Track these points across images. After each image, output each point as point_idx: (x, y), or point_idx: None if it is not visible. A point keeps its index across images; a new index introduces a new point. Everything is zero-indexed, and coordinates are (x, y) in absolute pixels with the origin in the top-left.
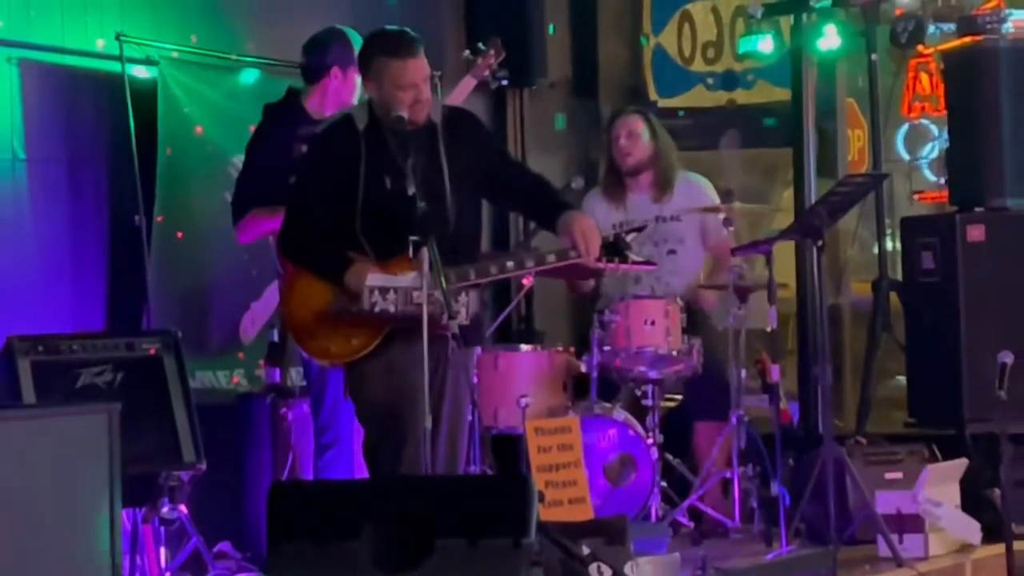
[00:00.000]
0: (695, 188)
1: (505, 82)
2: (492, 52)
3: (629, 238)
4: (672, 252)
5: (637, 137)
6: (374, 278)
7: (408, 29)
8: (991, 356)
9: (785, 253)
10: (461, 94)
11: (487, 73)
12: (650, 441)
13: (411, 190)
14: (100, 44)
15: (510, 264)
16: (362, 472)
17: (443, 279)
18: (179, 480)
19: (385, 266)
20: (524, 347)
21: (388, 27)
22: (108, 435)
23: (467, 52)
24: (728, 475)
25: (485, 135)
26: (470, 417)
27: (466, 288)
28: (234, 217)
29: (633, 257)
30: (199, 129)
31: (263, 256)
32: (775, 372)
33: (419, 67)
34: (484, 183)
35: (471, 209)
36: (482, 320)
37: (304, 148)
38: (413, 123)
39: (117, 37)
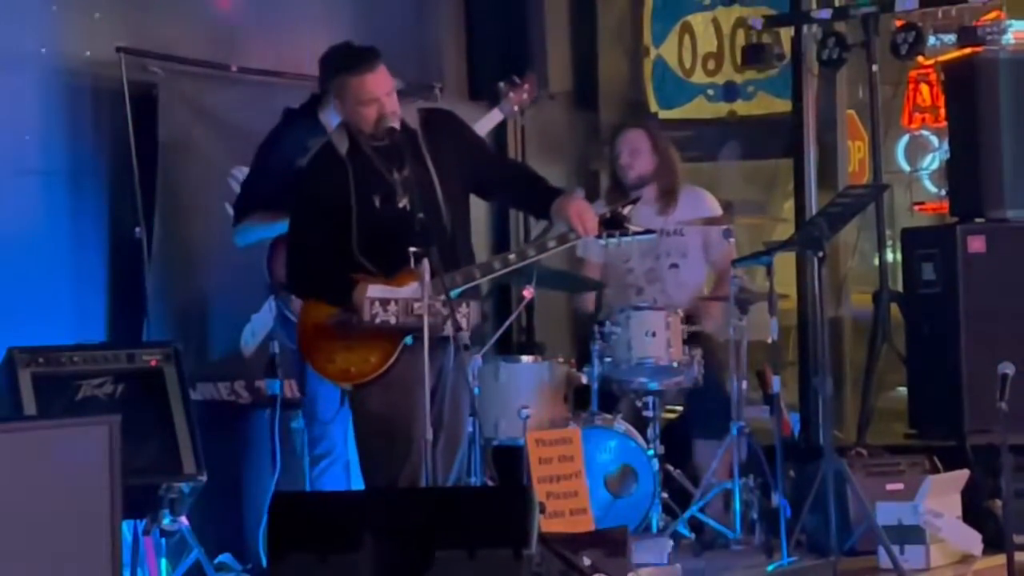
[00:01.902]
0: (699, 201)
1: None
2: (526, 87)
3: (626, 211)
4: (674, 266)
5: (639, 153)
6: (375, 290)
7: (370, 46)
8: (992, 367)
9: (786, 265)
10: (484, 128)
11: (516, 108)
12: (651, 452)
13: (402, 203)
14: (101, 57)
15: (512, 257)
16: (357, 482)
17: (445, 287)
18: (180, 492)
19: (393, 281)
20: (525, 358)
21: (346, 44)
22: (109, 447)
23: (501, 84)
24: (729, 486)
25: (466, 131)
26: (470, 428)
27: (467, 299)
28: (235, 219)
29: (633, 228)
30: (199, 141)
31: (263, 267)
32: (776, 383)
33: (378, 80)
34: (472, 178)
35: (462, 208)
36: (480, 327)
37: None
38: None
39: (118, 50)
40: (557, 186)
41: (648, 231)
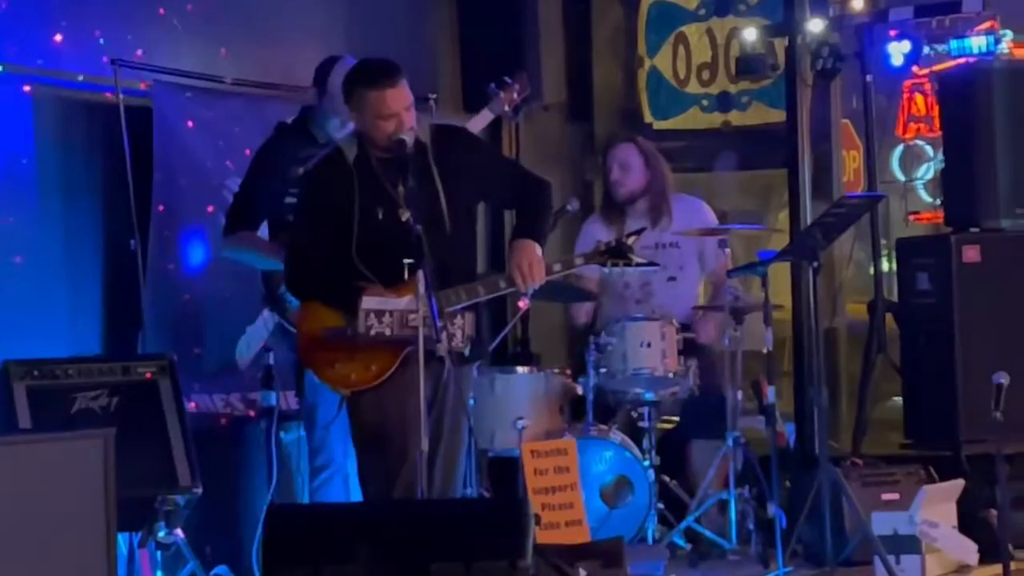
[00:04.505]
0: (694, 210)
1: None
2: (516, 87)
3: (630, 241)
4: (672, 279)
5: (629, 169)
6: (370, 301)
7: (389, 59)
8: (986, 377)
9: (781, 274)
10: (475, 128)
11: (507, 108)
12: (647, 463)
13: (404, 217)
14: (95, 69)
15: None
16: (357, 494)
17: (436, 301)
18: (175, 504)
19: (394, 292)
20: (520, 369)
21: (368, 58)
22: (104, 459)
23: (492, 85)
24: (725, 497)
25: (478, 147)
26: (467, 440)
27: (462, 310)
28: (225, 228)
29: (637, 260)
30: (194, 153)
31: (258, 280)
32: (771, 393)
33: (398, 96)
34: (481, 191)
35: (468, 224)
36: (483, 337)
37: (300, 171)
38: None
39: (112, 62)
40: (534, 225)
41: (651, 263)
